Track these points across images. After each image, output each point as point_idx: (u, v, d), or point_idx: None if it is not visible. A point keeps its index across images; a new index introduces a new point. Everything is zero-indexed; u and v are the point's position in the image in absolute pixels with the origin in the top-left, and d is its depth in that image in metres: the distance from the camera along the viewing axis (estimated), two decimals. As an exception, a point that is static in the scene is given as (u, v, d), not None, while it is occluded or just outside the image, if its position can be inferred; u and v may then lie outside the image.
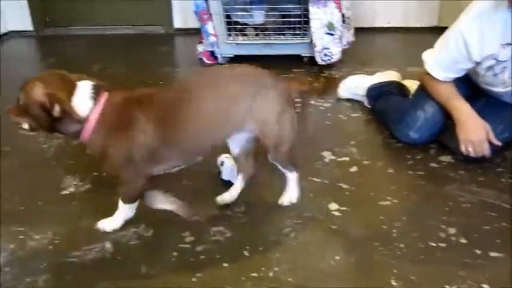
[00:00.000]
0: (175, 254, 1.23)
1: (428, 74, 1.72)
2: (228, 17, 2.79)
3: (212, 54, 2.85)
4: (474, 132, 1.59)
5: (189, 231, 1.31)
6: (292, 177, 1.43)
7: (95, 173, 1.59)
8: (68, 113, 1.14)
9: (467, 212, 1.40)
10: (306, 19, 2.67)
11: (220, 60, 2.82)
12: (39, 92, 1.14)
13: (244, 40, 2.80)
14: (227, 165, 1.54)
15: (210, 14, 2.68)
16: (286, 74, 2.64)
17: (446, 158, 1.69)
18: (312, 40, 2.63)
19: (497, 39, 1.52)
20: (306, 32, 2.71)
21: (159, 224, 1.32)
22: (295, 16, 2.75)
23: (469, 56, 1.58)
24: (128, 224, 1.32)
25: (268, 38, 2.85)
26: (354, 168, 1.63)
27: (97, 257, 1.22)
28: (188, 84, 1.27)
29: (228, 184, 1.51)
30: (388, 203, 1.44)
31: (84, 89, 1.19)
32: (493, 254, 1.22)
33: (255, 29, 2.92)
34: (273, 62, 2.78)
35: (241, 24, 2.86)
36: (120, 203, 1.29)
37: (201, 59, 2.92)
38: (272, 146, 1.28)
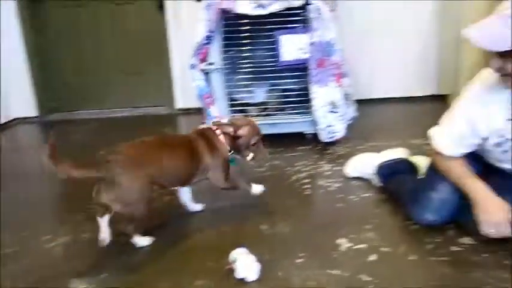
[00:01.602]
0: None
1: (436, 151, 1.71)
2: (229, 97, 2.84)
3: (216, 135, 2.86)
4: (494, 214, 1.54)
5: None
6: None
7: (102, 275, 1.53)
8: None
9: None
10: (307, 98, 2.71)
11: (224, 141, 2.82)
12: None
13: (247, 121, 2.82)
14: (242, 262, 1.47)
15: (213, 98, 2.71)
16: (292, 153, 2.64)
17: (466, 240, 1.63)
18: (315, 118, 2.65)
19: (503, 114, 1.52)
20: (308, 110, 2.73)
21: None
22: (296, 95, 2.80)
23: (476, 132, 1.57)
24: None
25: (270, 116, 2.88)
26: (373, 257, 1.56)
27: None
28: None
29: (244, 282, 1.44)
30: (416, 297, 1.37)
31: None
32: None
33: (257, 107, 2.96)
34: (277, 141, 2.79)
35: (242, 104, 2.90)
36: None
37: (205, 140, 2.93)
38: None
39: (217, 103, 2.72)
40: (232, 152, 1.82)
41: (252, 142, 1.81)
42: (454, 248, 1.59)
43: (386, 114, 3.39)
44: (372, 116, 3.26)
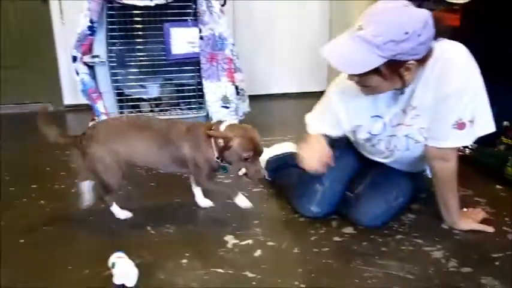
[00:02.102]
0: None
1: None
2: (120, 92, 2.70)
3: (105, 132, 2.70)
4: (312, 152, 1.61)
5: None
6: None
7: None
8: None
9: (373, 289, 1.37)
10: (201, 92, 2.66)
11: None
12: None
13: (138, 117, 2.70)
14: (120, 267, 1.38)
15: (100, 92, 2.55)
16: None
17: (348, 230, 1.68)
18: (208, 113, 2.61)
19: (366, 111, 1.59)
20: (201, 105, 2.68)
21: None
22: (190, 89, 2.73)
23: (340, 123, 1.63)
24: None
25: (164, 112, 2.78)
26: (258, 252, 1.55)
27: None
28: None
29: (122, 289, 1.35)
30: (296, 290, 1.37)
31: None
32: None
33: (149, 103, 2.85)
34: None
35: (134, 99, 2.77)
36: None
37: (93, 138, 2.75)
38: None
39: (105, 98, 2.56)
40: (221, 160, 1.67)
41: (244, 156, 1.62)
42: (336, 238, 1.64)
43: (282, 109, 3.45)
44: (268, 111, 3.30)
